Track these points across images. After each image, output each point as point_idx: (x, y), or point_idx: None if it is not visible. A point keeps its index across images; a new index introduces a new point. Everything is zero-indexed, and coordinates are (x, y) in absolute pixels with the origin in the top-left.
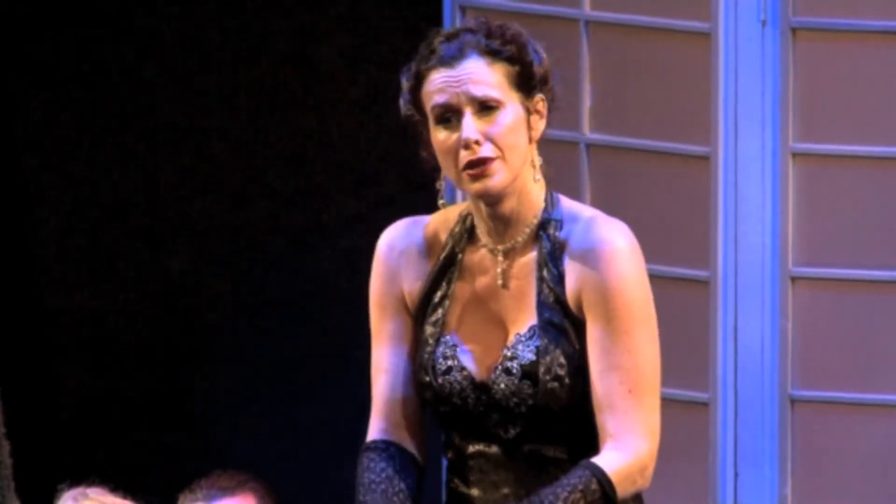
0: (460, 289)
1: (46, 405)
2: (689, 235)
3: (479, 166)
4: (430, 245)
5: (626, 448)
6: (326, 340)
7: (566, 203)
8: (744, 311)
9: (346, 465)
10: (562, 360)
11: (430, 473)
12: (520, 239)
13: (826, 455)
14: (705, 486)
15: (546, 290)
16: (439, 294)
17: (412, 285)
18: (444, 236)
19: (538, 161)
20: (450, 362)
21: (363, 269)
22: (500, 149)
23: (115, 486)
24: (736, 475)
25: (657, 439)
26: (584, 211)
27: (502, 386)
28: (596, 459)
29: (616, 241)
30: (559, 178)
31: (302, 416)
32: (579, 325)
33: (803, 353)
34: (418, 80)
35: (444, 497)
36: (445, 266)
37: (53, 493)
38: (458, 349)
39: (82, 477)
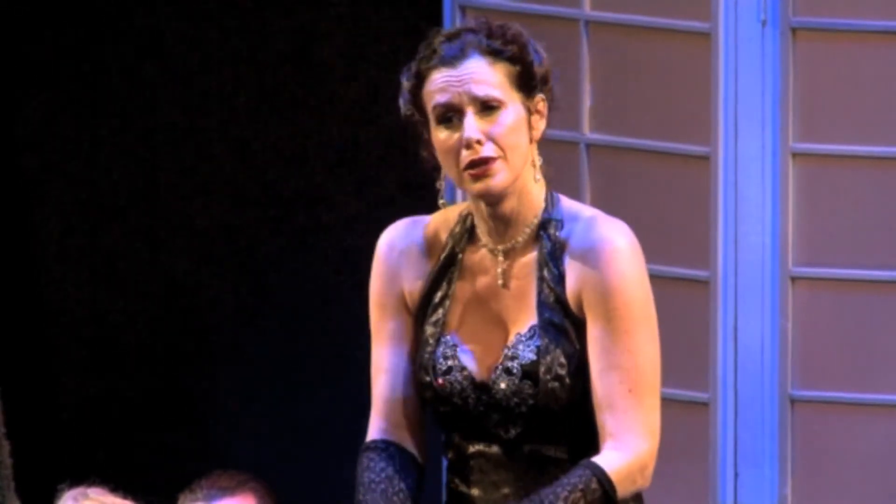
0: (461, 289)
1: (46, 405)
2: (689, 235)
3: (480, 166)
4: (430, 245)
5: (626, 447)
6: (326, 340)
7: (566, 203)
8: (744, 311)
9: (346, 465)
10: (562, 359)
11: (430, 473)
12: (520, 239)
13: (826, 455)
14: (705, 486)
15: (546, 290)
16: (440, 294)
17: (412, 285)
18: (444, 236)
19: (538, 161)
20: (450, 362)
21: (363, 269)
22: (501, 149)
23: (115, 486)
24: (736, 475)
25: (657, 439)
26: (585, 210)
27: (503, 386)
28: (596, 459)
29: (616, 240)
30: (559, 178)
31: (302, 416)
32: (580, 325)
33: (803, 353)
34: (419, 80)
35: (444, 497)
36: (446, 266)
37: (53, 493)
38: (458, 349)
39: (82, 477)
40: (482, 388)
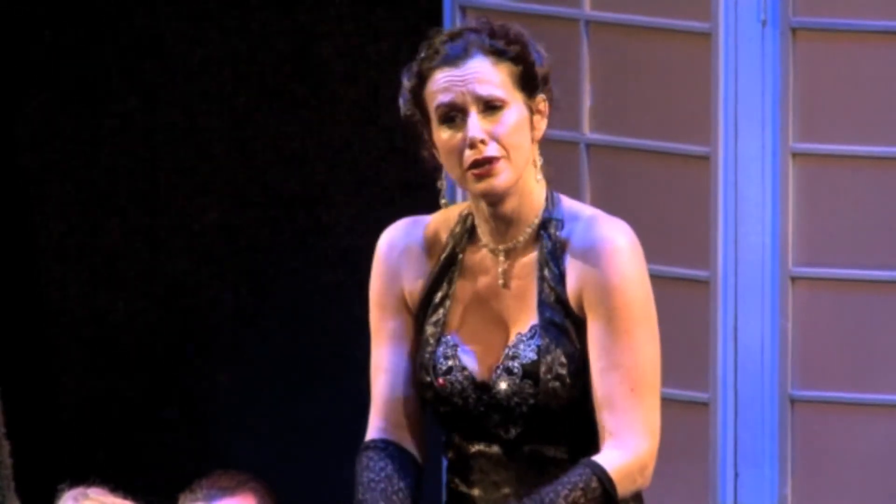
0: (461, 289)
1: (46, 405)
2: (689, 235)
3: (484, 166)
4: (430, 245)
5: (626, 447)
6: (326, 340)
7: (567, 202)
8: (744, 311)
9: (346, 465)
10: (563, 359)
11: (430, 473)
12: (521, 239)
13: (826, 455)
14: (705, 486)
15: (547, 290)
16: (440, 294)
17: (412, 285)
18: (444, 236)
19: (539, 161)
20: (451, 362)
21: (363, 269)
22: (504, 148)
23: (115, 486)
24: (736, 475)
25: (657, 438)
26: (585, 210)
27: (503, 386)
28: (596, 458)
29: (617, 239)
30: (559, 178)
31: (302, 416)
32: (580, 325)
33: (803, 353)
34: (421, 80)
35: (444, 497)
36: (446, 266)
37: (53, 493)
38: (458, 349)
39: (82, 477)
40: (483, 387)
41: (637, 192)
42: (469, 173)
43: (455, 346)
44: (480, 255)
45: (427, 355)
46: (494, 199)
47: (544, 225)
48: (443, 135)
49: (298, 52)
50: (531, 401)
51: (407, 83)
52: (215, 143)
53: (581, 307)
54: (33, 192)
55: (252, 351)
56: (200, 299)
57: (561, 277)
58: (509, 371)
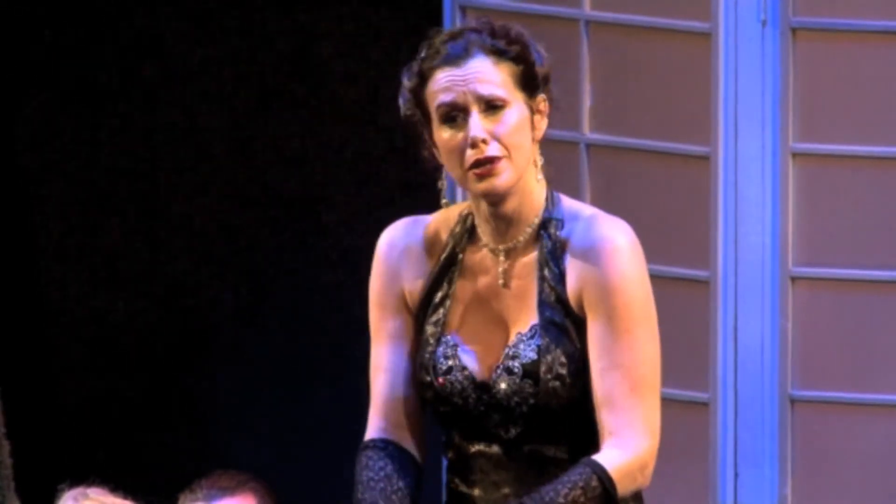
0: (461, 289)
1: (46, 405)
2: (689, 235)
3: (485, 165)
4: (430, 244)
5: (626, 446)
6: (326, 340)
7: (567, 202)
8: (744, 311)
9: (346, 465)
10: (563, 359)
11: (430, 473)
12: (521, 238)
13: (826, 455)
14: (705, 486)
15: (547, 290)
16: (440, 294)
17: (413, 284)
18: (444, 236)
19: (540, 161)
20: (451, 362)
21: (363, 269)
22: (506, 148)
23: (115, 486)
24: (736, 475)
25: (658, 437)
26: (585, 209)
27: (503, 385)
28: (597, 457)
29: (617, 238)
30: (559, 178)
31: (302, 416)
32: (580, 324)
33: (803, 353)
34: (422, 79)
35: (444, 497)
36: (446, 266)
37: (53, 493)
38: (459, 349)
39: (82, 477)
40: (483, 387)
41: (637, 192)
42: (470, 173)
43: (455, 345)
44: (481, 255)
45: (427, 355)
46: (495, 199)
47: (544, 225)
48: (444, 134)
49: (298, 52)
50: (531, 400)
51: (407, 83)
52: (215, 143)
53: (581, 307)
54: (33, 192)
55: (252, 351)
56: (200, 299)
57: (561, 277)
58: (509, 371)
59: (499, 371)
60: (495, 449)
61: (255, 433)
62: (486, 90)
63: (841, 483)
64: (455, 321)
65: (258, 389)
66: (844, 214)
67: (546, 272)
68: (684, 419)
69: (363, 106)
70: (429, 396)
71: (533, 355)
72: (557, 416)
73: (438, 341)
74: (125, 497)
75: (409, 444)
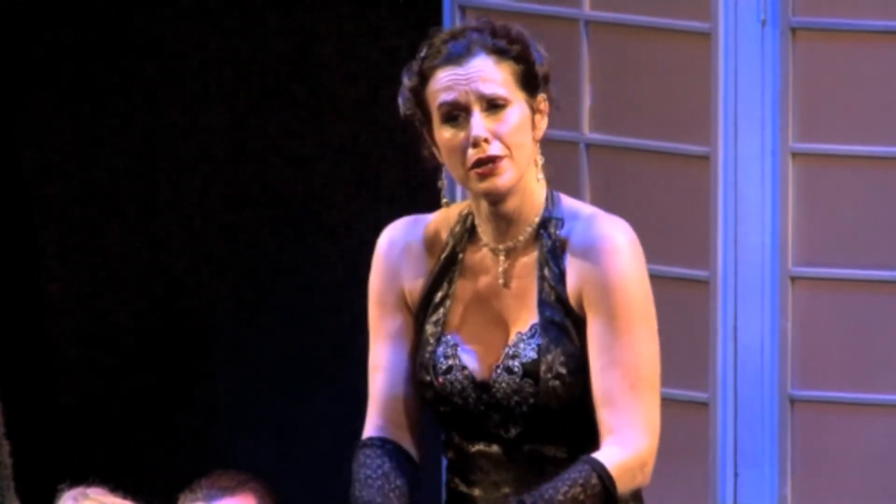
0: (461, 288)
1: (46, 405)
2: (689, 235)
3: (487, 164)
4: (430, 244)
5: (626, 444)
6: (326, 340)
7: (567, 201)
8: (744, 311)
9: (346, 465)
10: (563, 358)
11: (430, 473)
12: (521, 238)
13: (826, 455)
14: (705, 486)
15: (547, 289)
16: (440, 294)
17: (412, 283)
18: (444, 235)
19: (540, 160)
20: (451, 361)
21: (363, 268)
22: (507, 147)
23: (115, 486)
24: (736, 475)
25: (657, 436)
26: (585, 209)
27: (503, 385)
28: (596, 455)
29: (616, 237)
30: (559, 178)
31: (302, 416)
32: (580, 324)
33: (803, 353)
34: (423, 79)
35: (444, 497)
36: (446, 266)
37: (53, 493)
38: (459, 348)
39: (82, 477)
40: (483, 387)
41: (637, 192)
42: (472, 172)
43: (455, 345)
44: (481, 255)
45: (427, 355)
46: (497, 199)
47: (544, 224)
48: (445, 134)
49: (298, 52)
50: (531, 400)
51: (408, 82)
52: (215, 143)
53: (581, 306)
54: (33, 192)
55: (252, 351)
56: (200, 299)
57: (561, 276)
58: (509, 370)
59: (499, 370)
60: (495, 449)
61: (255, 433)
62: (488, 89)
63: (841, 483)
64: (455, 321)
65: (258, 389)
66: (844, 214)
67: (546, 272)
68: (684, 419)
69: (363, 106)
70: (429, 396)
71: (533, 355)
72: (557, 415)
73: (438, 341)
74: (125, 497)
75: (406, 443)
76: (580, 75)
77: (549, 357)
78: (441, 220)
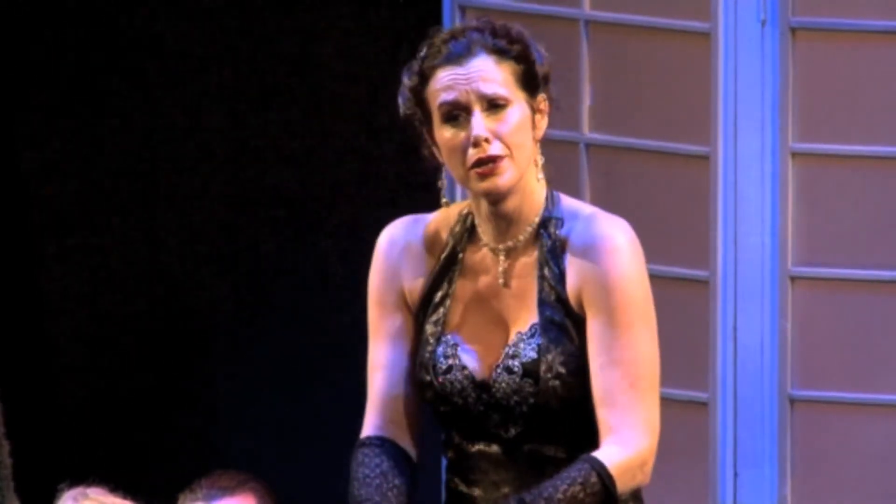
0: (461, 288)
1: (46, 405)
2: (689, 235)
3: (488, 164)
4: (430, 243)
5: (626, 442)
6: (326, 340)
7: (567, 201)
8: (743, 311)
9: (346, 465)
10: (563, 358)
11: (430, 473)
12: (521, 238)
13: (826, 455)
14: (705, 486)
15: (547, 289)
16: (440, 294)
17: (412, 283)
18: (444, 235)
19: (541, 160)
20: (451, 361)
21: (363, 269)
22: (508, 147)
23: (115, 486)
24: (735, 475)
25: (657, 435)
26: (584, 208)
27: (503, 384)
28: (596, 453)
29: (616, 236)
30: (559, 177)
31: (302, 416)
32: (580, 323)
33: (803, 353)
34: (423, 78)
35: (444, 497)
36: (447, 265)
37: (53, 493)
38: (459, 348)
39: (82, 477)
40: (482, 387)
41: (637, 192)
42: (472, 172)
43: (455, 345)
44: (481, 255)
45: (427, 354)
46: (497, 198)
47: (544, 224)
48: (445, 133)
49: (298, 52)
50: (531, 400)
51: (408, 82)
52: (215, 143)
53: (581, 305)
54: (33, 192)
55: (252, 351)
56: (200, 299)
57: (561, 276)
58: (509, 370)
59: (499, 370)
60: (495, 448)
61: (255, 433)
62: (489, 89)
63: (841, 483)
64: (455, 320)
65: (258, 389)
66: (844, 214)
67: (546, 271)
68: (684, 419)
69: (363, 106)
70: (429, 396)
71: (533, 354)
72: (557, 415)
73: (438, 341)
74: (125, 497)
75: (405, 442)
76: (580, 75)
77: (549, 357)
78: (441, 219)
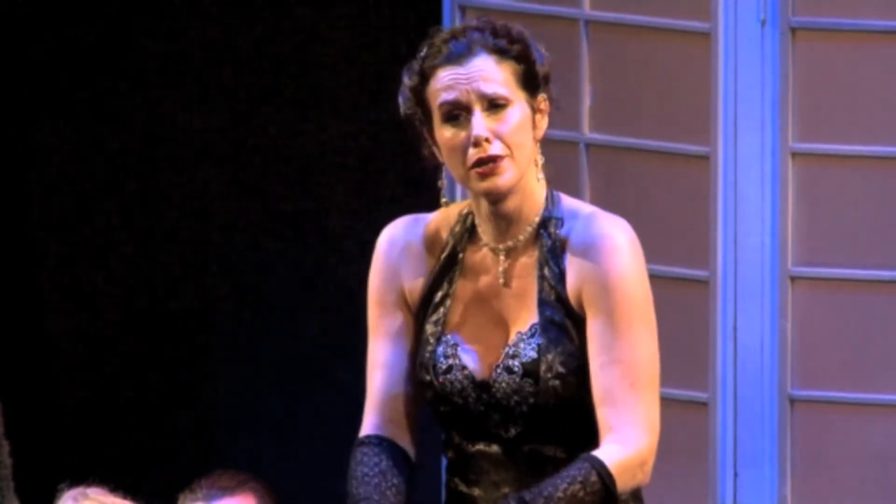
0: (462, 288)
1: (46, 405)
2: (689, 235)
3: (488, 164)
4: (430, 243)
5: (626, 441)
6: (327, 340)
7: (566, 201)
8: (743, 311)
9: (346, 465)
10: (563, 357)
11: (430, 473)
12: (521, 238)
13: (826, 455)
14: (705, 485)
15: (547, 289)
16: (440, 294)
17: (413, 283)
18: (444, 235)
19: (541, 160)
20: (451, 361)
21: (364, 269)
22: (508, 147)
23: (115, 486)
24: (735, 475)
25: (657, 434)
26: (584, 208)
27: (503, 384)
28: (596, 452)
29: (616, 236)
30: (559, 177)
31: (302, 416)
32: (580, 323)
33: (802, 352)
34: (424, 78)
35: (444, 497)
36: (447, 265)
37: (53, 493)
38: (459, 348)
39: (82, 477)
40: (482, 386)
41: (637, 192)
42: (472, 172)
43: (455, 345)
44: (481, 255)
45: (427, 354)
46: (497, 198)
47: (544, 224)
48: (446, 133)
49: (298, 52)
50: (531, 400)
51: (408, 81)
52: (215, 143)
53: (581, 305)
54: (33, 192)
55: (252, 351)
56: (200, 299)
57: (561, 276)
58: (509, 370)
59: (499, 370)
60: (495, 448)
61: (255, 433)
62: (490, 89)
63: (840, 483)
64: (455, 320)
65: (258, 389)
66: (844, 214)
67: (546, 271)
68: (684, 419)
69: (363, 106)
70: (429, 396)
71: (533, 354)
72: (557, 415)
73: (439, 340)
74: (125, 497)
75: (403, 442)
76: (580, 75)
77: (549, 357)
78: (441, 219)
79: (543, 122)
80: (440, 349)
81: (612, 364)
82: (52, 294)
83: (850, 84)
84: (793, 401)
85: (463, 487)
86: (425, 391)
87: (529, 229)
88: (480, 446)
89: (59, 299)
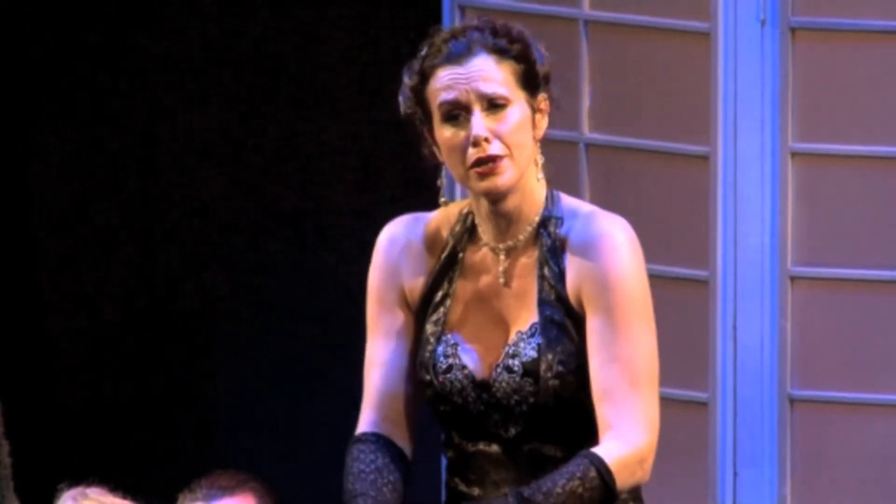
0: (462, 287)
1: (46, 405)
2: (688, 235)
3: (488, 164)
4: (431, 242)
5: (625, 439)
6: (327, 340)
7: (566, 200)
8: (743, 311)
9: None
10: (563, 357)
11: (430, 473)
12: (521, 237)
13: (825, 455)
14: (705, 485)
15: (547, 288)
16: (440, 293)
17: (412, 282)
18: (445, 234)
19: (541, 160)
20: (451, 361)
21: (364, 269)
22: (508, 147)
23: (115, 486)
24: (735, 475)
25: (657, 432)
26: (584, 207)
27: (503, 384)
28: (595, 449)
29: (615, 234)
30: (559, 177)
31: (302, 416)
32: (580, 322)
33: (802, 352)
34: (423, 78)
35: (444, 497)
36: (447, 265)
37: (53, 493)
38: (459, 348)
39: (82, 477)
40: (482, 386)
41: (637, 192)
42: (472, 171)
43: (455, 344)
44: (481, 254)
45: (427, 354)
46: (497, 198)
47: (544, 223)
48: (445, 133)
49: (298, 52)
50: (531, 399)
51: (408, 81)
52: (215, 143)
53: (581, 303)
54: (33, 192)
55: (252, 351)
56: (200, 299)
57: (561, 275)
58: (509, 369)
59: (499, 370)
60: (495, 448)
61: (255, 433)
62: (489, 88)
63: (840, 483)
64: (455, 320)
65: (258, 389)
66: (843, 214)
67: (546, 271)
68: (683, 419)
69: (363, 106)
70: (428, 395)
71: (533, 354)
72: (557, 415)
73: (439, 340)
74: (125, 497)
75: (399, 440)
76: (580, 75)
77: (550, 356)
78: (441, 218)
79: (543, 121)
80: (440, 349)
81: (612, 362)
82: (52, 294)
83: (850, 84)
84: (792, 401)
85: (463, 487)
86: (425, 390)
87: (529, 229)
88: (480, 446)
89: (59, 299)
